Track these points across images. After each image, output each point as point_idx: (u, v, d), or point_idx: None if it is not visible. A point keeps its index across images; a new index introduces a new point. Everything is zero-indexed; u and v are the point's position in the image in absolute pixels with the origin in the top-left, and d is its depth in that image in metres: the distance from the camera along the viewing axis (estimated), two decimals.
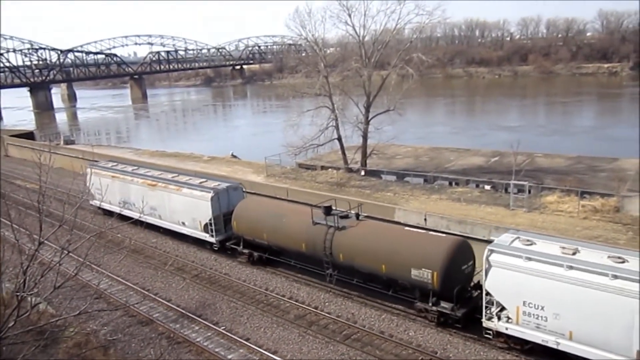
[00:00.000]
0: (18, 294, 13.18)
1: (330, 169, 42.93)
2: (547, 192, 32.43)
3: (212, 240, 30.32)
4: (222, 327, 22.15)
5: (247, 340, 20.98)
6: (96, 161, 44.11)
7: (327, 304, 23.84)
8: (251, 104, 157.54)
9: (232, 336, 21.31)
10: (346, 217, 24.23)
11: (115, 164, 40.66)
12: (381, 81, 42.14)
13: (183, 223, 32.19)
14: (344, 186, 38.05)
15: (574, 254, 17.54)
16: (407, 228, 23.33)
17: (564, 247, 17.99)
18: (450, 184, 37.71)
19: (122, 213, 34.32)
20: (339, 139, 42.16)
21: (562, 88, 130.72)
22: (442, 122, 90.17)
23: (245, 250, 28.79)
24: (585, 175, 36.76)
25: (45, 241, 13.43)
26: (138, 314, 23.89)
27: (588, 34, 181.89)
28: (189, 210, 31.33)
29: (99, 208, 37.49)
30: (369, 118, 41.39)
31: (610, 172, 36.87)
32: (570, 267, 16.80)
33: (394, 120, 42.53)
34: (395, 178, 40.36)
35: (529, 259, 17.67)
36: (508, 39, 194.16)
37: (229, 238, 29.99)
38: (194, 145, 72.53)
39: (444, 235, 22.31)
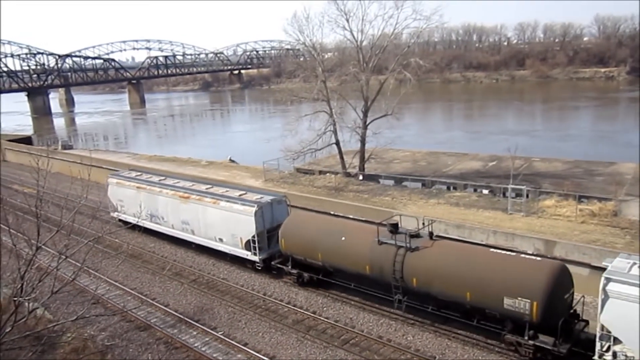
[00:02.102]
0: (15, 299, 13.15)
1: (328, 174, 42.93)
2: (544, 196, 32.48)
3: (255, 258, 27.58)
4: (220, 332, 22.10)
5: (245, 345, 20.93)
6: (116, 170, 42.87)
7: (325, 308, 23.81)
8: (249, 108, 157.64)
9: (230, 341, 21.26)
10: (417, 236, 21.58)
11: (139, 173, 38.44)
12: (379, 86, 42.19)
13: (220, 239, 29.54)
14: (342, 191, 38.05)
15: None
16: (493, 250, 20.55)
17: None
18: (448, 188, 37.73)
19: (149, 227, 33.78)
20: (337, 143, 42.18)
21: (559, 92, 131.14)
22: (440, 126, 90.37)
23: (294, 271, 26.01)
24: (582, 179, 36.80)
25: (43, 246, 13.42)
26: (136, 319, 23.83)
27: (585, 38, 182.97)
28: (227, 226, 28.59)
29: (120, 220, 36.16)
30: (367, 123, 41.41)
31: (607, 176, 36.91)
32: None
33: (392, 125, 42.58)
34: (393, 182, 40.37)
35: None
36: (505, 43, 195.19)
37: (273, 256, 27.47)
38: (192, 149, 72.57)
39: (540, 259, 19.47)
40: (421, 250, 20.77)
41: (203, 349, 20.92)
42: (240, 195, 29.36)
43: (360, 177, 41.36)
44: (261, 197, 28.59)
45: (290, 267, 26.17)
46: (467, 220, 29.07)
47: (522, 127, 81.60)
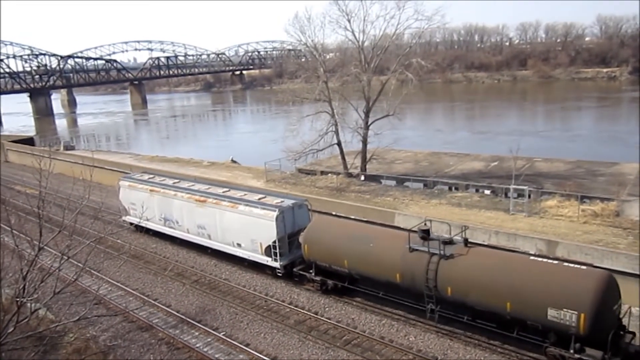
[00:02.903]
0: (18, 299, 13.18)
1: (330, 174, 42.95)
2: (547, 196, 32.45)
3: (276, 264, 26.50)
4: (222, 333, 22.10)
5: (247, 345, 20.93)
6: (127, 173, 42.05)
7: (327, 309, 23.79)
8: (251, 109, 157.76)
9: (232, 342, 21.25)
10: (450, 242, 20.50)
11: (151, 176, 37.21)
12: (380, 86, 42.22)
13: (238, 245, 28.46)
14: (344, 191, 38.05)
15: None
16: (533, 258, 19.43)
17: None
18: (450, 188, 37.72)
19: (163, 231, 33.63)
20: (339, 144, 42.19)
21: (562, 93, 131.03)
22: (441, 127, 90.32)
23: (317, 278, 24.95)
24: (585, 179, 36.77)
25: (45, 247, 13.45)
26: (138, 320, 23.84)
27: (587, 38, 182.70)
28: (246, 230, 27.51)
29: (132, 224, 36.00)
30: (369, 123, 41.43)
31: (609, 177, 36.90)
32: None
33: (393, 125, 42.57)
34: (395, 183, 40.37)
35: None
36: (507, 43, 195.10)
37: (294, 262, 26.44)
38: (194, 150, 72.67)
39: (585, 267, 18.43)
40: (456, 258, 19.80)
41: (205, 349, 20.92)
42: (259, 199, 28.29)
43: (362, 178, 41.35)
44: (282, 201, 27.53)
45: (313, 274, 25.15)
46: (469, 221, 29.03)
47: (530, 127, 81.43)
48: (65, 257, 13.94)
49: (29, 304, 13.99)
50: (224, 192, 30.59)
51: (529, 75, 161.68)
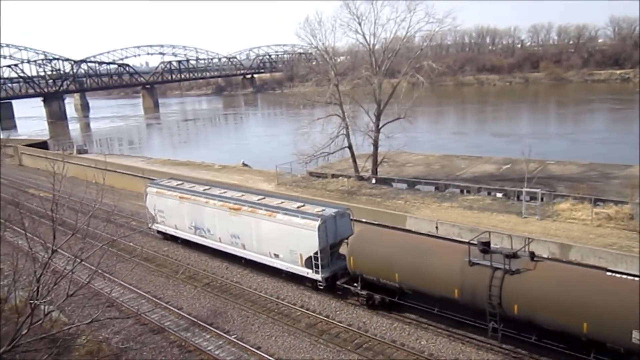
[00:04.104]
0: (31, 301, 13.31)
1: (341, 177, 42.95)
2: (559, 199, 32.18)
3: (317, 277, 24.97)
4: (234, 336, 22.12)
5: (258, 349, 20.93)
6: (153, 179, 40.74)
7: (338, 312, 23.73)
8: (262, 113, 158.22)
9: (244, 345, 21.27)
10: (514, 256, 19.03)
11: (180, 182, 35.77)
12: (391, 89, 42.16)
13: (275, 255, 27.06)
14: (355, 194, 38.02)
15: None
16: (610, 274, 17.76)
17: None
18: (462, 191, 37.53)
19: (193, 240, 32.57)
20: (350, 147, 42.17)
21: (574, 95, 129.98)
22: (453, 130, 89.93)
23: (364, 292, 23.48)
24: (598, 182, 36.41)
25: (59, 249, 13.56)
26: (150, 323, 23.94)
27: (600, 40, 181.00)
28: (285, 240, 26.09)
29: (159, 232, 35.20)
30: (380, 126, 41.38)
31: (623, 179, 36.48)
32: None
33: (404, 128, 42.50)
34: (406, 186, 40.26)
35: None
36: (519, 45, 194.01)
37: (335, 274, 25.05)
38: (205, 153, 72.99)
39: None
40: (523, 273, 18.36)
41: (216, 352, 20.96)
42: (298, 207, 26.90)
43: (373, 181, 41.30)
44: (323, 210, 26.05)
45: (359, 287, 23.64)
46: (481, 224, 28.89)
47: (542, 130, 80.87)
48: (78, 260, 14.06)
49: (42, 306, 14.10)
50: (259, 199, 29.22)
51: (541, 78, 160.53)
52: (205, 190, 32.54)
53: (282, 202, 28.17)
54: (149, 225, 35.73)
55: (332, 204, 30.39)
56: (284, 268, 26.89)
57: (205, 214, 30.91)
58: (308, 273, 25.48)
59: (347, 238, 25.78)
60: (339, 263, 25.44)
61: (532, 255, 19.04)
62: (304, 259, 25.45)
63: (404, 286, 21.90)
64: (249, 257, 28.88)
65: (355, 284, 23.77)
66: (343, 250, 26.23)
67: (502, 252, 19.42)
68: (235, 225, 28.92)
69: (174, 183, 35.41)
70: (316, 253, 24.65)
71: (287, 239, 25.94)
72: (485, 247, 19.69)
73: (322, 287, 25.13)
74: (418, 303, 21.87)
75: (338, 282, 24.58)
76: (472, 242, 20.15)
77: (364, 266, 23.05)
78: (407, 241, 22.75)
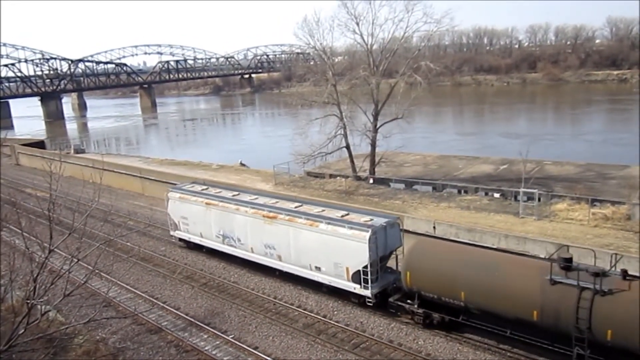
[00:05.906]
0: (28, 301, 13.29)
1: (338, 177, 42.95)
2: (557, 199, 32.24)
3: (366, 293, 22.83)
4: (231, 336, 22.12)
5: (255, 348, 20.93)
6: (174, 184, 37.96)
7: (335, 312, 23.74)
8: (259, 112, 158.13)
9: (241, 345, 21.26)
10: (603, 274, 16.87)
11: (204, 187, 33.56)
12: (389, 89, 42.19)
13: (317, 268, 24.80)
14: (353, 194, 38.03)
15: None
16: None
17: None
18: (459, 191, 37.57)
19: (221, 249, 30.45)
20: (348, 147, 42.18)
21: (571, 95, 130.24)
22: (450, 130, 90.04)
23: (420, 311, 21.49)
24: (595, 182, 36.49)
25: (55, 249, 13.54)
26: (147, 322, 23.92)
27: (597, 40, 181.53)
28: (329, 252, 23.91)
29: (181, 240, 33.21)
30: (377, 126, 41.42)
31: (620, 180, 36.58)
32: None
33: (402, 129, 42.51)
34: (403, 186, 40.28)
35: None
36: (516, 46, 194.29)
37: (385, 290, 23.13)
38: (203, 152, 72.92)
39: None
40: (616, 295, 16.31)
41: (214, 352, 20.95)
42: (342, 216, 24.72)
43: (371, 181, 41.32)
44: (371, 219, 23.85)
45: (416, 305, 21.62)
46: (478, 224, 28.94)
47: (540, 130, 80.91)
48: (75, 260, 14.03)
49: (39, 306, 14.09)
50: (296, 207, 27.00)
51: (539, 78, 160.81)
52: (234, 196, 30.54)
53: (324, 210, 26.01)
54: (170, 232, 34.08)
55: (378, 212, 27.83)
56: (326, 282, 24.74)
57: (235, 222, 28.73)
58: (355, 288, 23.35)
59: (396, 250, 24.29)
60: (388, 277, 23.66)
61: (625, 273, 17.05)
62: (350, 273, 23.36)
63: (470, 306, 19.80)
64: (285, 270, 26.69)
65: (410, 301, 21.85)
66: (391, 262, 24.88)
67: (589, 269, 17.35)
68: (270, 234, 26.70)
69: (197, 188, 33.35)
70: (365, 267, 22.55)
71: (331, 251, 23.85)
72: (568, 264, 17.89)
73: (370, 304, 23.06)
74: (486, 324, 19.78)
75: (391, 299, 22.56)
76: (550, 258, 18.23)
77: (423, 283, 20.98)
78: (474, 255, 20.72)
